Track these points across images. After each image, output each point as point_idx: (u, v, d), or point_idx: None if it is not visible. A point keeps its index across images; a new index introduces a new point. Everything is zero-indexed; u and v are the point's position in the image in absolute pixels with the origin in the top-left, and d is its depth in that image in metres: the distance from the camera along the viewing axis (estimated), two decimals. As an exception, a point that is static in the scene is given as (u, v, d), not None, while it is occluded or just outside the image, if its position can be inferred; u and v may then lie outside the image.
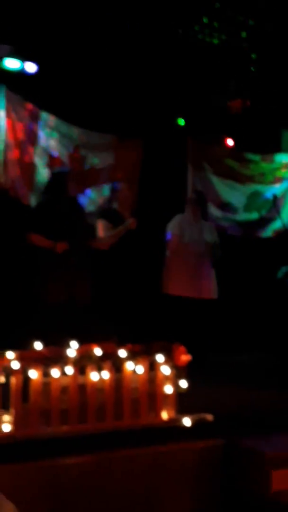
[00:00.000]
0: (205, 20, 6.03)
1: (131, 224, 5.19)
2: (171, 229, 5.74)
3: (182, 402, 3.83)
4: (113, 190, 5.50)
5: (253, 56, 6.51)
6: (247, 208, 6.85)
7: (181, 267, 5.62)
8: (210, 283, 5.72)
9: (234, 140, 6.85)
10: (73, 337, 3.62)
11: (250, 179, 6.89)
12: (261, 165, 6.92)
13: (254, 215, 6.84)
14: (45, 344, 3.57)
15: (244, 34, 6.41)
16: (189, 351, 3.87)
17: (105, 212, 5.43)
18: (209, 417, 3.85)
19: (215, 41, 6.35)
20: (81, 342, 3.62)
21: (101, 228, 5.19)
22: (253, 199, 6.87)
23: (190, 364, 3.85)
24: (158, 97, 6.12)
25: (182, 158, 6.45)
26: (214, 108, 6.54)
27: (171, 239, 5.71)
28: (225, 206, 6.75)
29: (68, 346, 3.59)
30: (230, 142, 6.84)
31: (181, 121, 6.49)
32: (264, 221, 6.81)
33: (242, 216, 6.82)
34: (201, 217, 5.89)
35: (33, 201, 5.43)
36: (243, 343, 6.16)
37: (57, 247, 4.69)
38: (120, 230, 5.17)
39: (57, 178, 5.01)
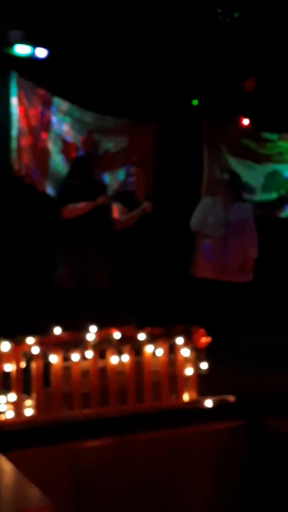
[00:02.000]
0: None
1: (147, 207, 5.16)
2: (196, 214, 5.70)
3: (205, 384, 3.82)
4: (128, 174, 5.47)
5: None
6: (266, 188, 6.77)
7: (207, 250, 5.58)
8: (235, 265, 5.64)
9: (250, 119, 6.75)
10: (92, 322, 3.62)
11: (268, 158, 6.80)
12: (278, 144, 6.81)
13: (273, 195, 6.76)
14: (64, 329, 3.58)
15: (255, 12, 6.30)
16: (217, 333, 3.86)
17: (120, 196, 5.40)
18: (231, 398, 3.84)
19: (228, 19, 6.25)
20: (100, 326, 3.62)
21: (116, 212, 5.17)
22: (272, 179, 6.78)
23: (216, 346, 3.84)
24: (172, 78, 6.05)
25: (197, 139, 6.38)
26: (228, 88, 6.44)
27: (195, 224, 5.67)
28: (243, 187, 6.67)
29: (88, 330, 3.59)
30: (246, 121, 6.74)
31: (195, 102, 6.41)
32: (283, 201, 6.72)
33: (261, 196, 6.73)
34: (234, 198, 5.81)
35: (48, 187, 5.42)
36: (273, 324, 6.08)
37: (98, 201, 4.71)
38: (135, 214, 5.14)
39: (81, 163, 4.99)
